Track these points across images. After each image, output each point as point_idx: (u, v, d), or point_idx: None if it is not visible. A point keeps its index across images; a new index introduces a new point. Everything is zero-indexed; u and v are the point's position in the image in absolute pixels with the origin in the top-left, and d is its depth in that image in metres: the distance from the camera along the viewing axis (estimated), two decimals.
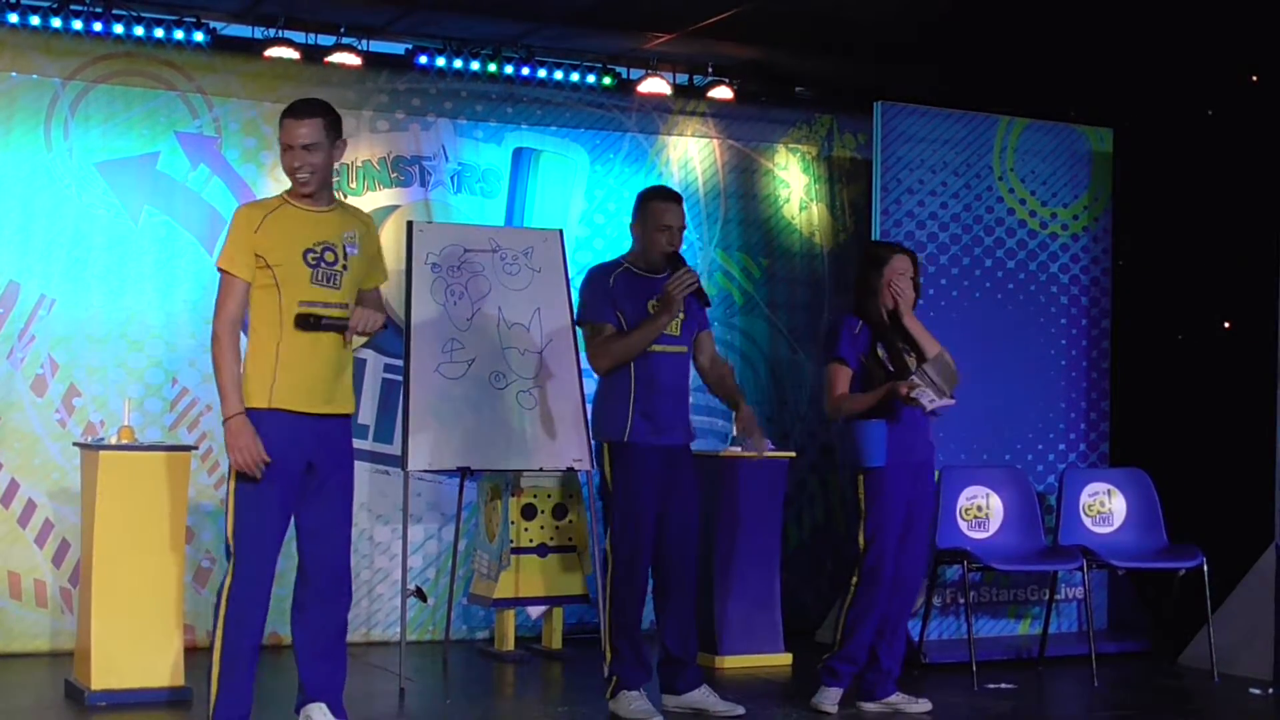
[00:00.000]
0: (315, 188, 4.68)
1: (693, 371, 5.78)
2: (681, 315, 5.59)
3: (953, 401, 5.63)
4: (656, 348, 5.55)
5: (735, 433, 6.21)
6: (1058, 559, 6.90)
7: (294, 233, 4.63)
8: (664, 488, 5.56)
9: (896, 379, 5.64)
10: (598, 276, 5.67)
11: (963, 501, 7.05)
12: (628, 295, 5.59)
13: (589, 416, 5.73)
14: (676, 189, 7.92)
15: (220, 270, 4.64)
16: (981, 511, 7.07)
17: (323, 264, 4.64)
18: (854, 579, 5.76)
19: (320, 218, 4.69)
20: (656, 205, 5.67)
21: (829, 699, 5.78)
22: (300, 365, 4.60)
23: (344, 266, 4.68)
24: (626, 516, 5.50)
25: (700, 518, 5.77)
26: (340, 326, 4.64)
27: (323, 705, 4.82)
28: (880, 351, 5.73)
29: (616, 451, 5.53)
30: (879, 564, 5.69)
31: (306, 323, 4.59)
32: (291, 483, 4.64)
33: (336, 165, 4.81)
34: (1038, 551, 7.01)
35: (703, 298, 5.62)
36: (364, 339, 4.79)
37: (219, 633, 4.64)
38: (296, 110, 4.67)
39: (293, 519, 4.75)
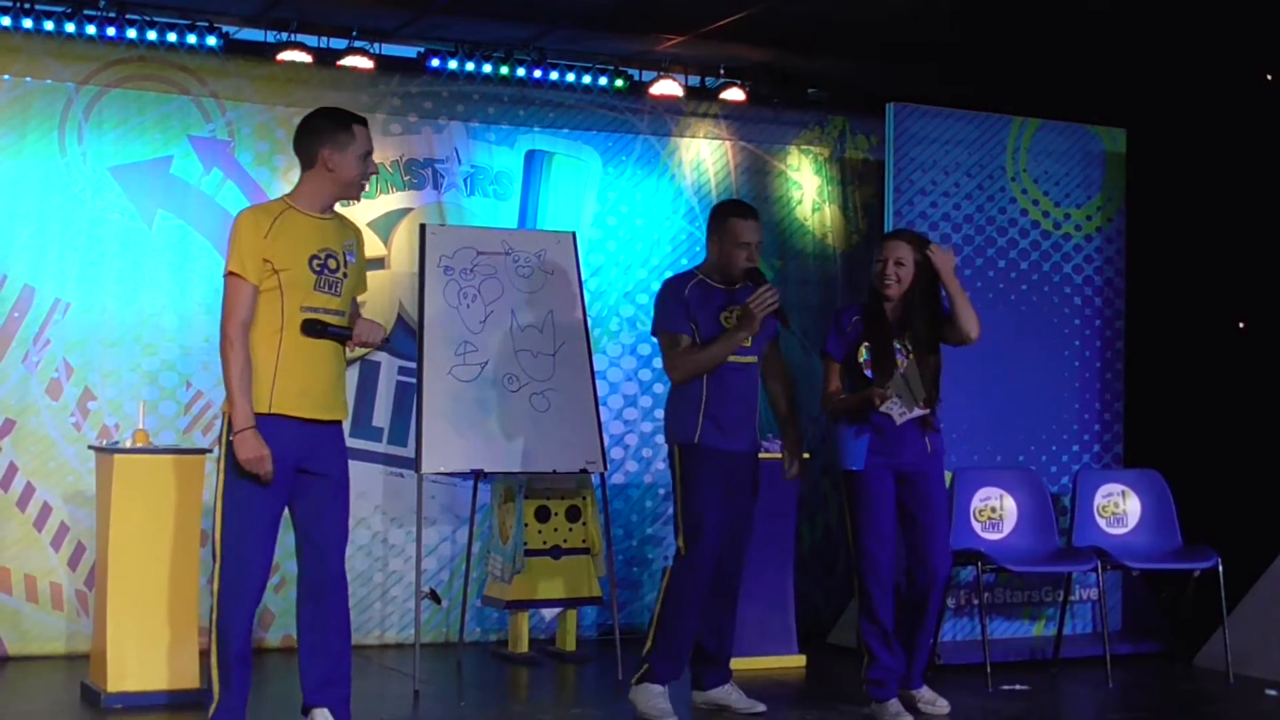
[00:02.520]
0: None
1: None
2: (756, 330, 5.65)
3: (925, 410, 5.61)
4: (729, 358, 5.63)
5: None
6: (1072, 560, 6.88)
7: (301, 238, 4.67)
8: (728, 490, 5.65)
9: (877, 383, 5.60)
10: (673, 288, 5.74)
11: (976, 503, 7.04)
12: (701, 306, 5.66)
13: (665, 420, 5.83)
14: (687, 191, 8.04)
15: (231, 274, 4.64)
16: (995, 513, 7.06)
17: (326, 271, 4.69)
18: (857, 587, 5.76)
19: (323, 224, 4.76)
20: (735, 222, 5.70)
21: (888, 714, 5.66)
22: (301, 371, 4.64)
23: (344, 274, 4.75)
24: (692, 515, 5.60)
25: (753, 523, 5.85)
26: (344, 336, 4.71)
27: (325, 710, 4.77)
28: (864, 352, 5.70)
29: (686, 453, 5.64)
30: (874, 569, 5.65)
31: (314, 329, 4.63)
32: (282, 488, 4.67)
33: None
34: (1052, 553, 6.99)
35: (783, 318, 5.65)
36: (366, 350, 4.82)
37: (213, 638, 4.69)
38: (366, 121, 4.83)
39: (290, 522, 4.79)
